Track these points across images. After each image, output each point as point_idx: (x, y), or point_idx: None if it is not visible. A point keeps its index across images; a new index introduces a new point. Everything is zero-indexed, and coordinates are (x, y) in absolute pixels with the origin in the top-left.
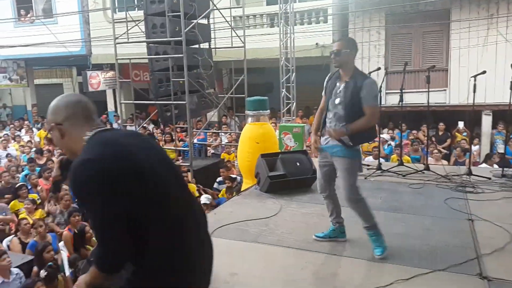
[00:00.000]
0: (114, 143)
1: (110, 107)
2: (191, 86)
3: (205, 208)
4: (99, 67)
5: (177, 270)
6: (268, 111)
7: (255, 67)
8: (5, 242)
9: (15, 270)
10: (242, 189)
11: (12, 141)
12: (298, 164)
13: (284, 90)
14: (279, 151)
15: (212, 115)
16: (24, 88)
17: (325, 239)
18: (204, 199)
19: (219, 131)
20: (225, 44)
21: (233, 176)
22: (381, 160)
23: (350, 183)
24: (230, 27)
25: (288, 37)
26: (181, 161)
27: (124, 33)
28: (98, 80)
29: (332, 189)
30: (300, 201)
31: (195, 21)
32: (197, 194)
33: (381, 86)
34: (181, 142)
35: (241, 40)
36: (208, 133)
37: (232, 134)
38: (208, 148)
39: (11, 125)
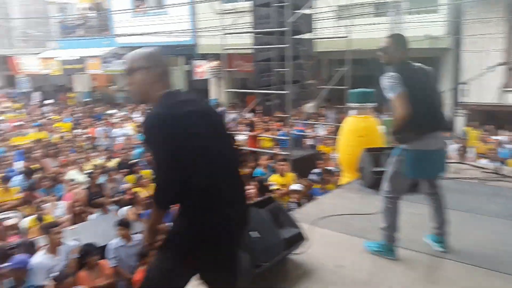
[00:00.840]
0: (176, 104)
1: (213, 95)
2: (293, 76)
3: (295, 195)
4: (203, 56)
5: (210, 210)
6: (374, 104)
7: (356, 58)
8: (123, 211)
9: (136, 236)
10: (340, 183)
11: (127, 122)
12: None
13: None
14: (384, 146)
15: (312, 107)
16: None
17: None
18: (295, 186)
19: (316, 122)
20: (327, 34)
21: (330, 168)
22: (498, 164)
23: (386, 177)
24: (332, 17)
25: (398, 27)
26: (277, 150)
27: (232, 24)
28: (203, 69)
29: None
30: (407, 200)
31: (299, 11)
32: (292, 183)
33: (501, 83)
34: (278, 132)
35: (345, 31)
36: (305, 124)
37: (330, 126)
38: (304, 139)
39: (128, 107)
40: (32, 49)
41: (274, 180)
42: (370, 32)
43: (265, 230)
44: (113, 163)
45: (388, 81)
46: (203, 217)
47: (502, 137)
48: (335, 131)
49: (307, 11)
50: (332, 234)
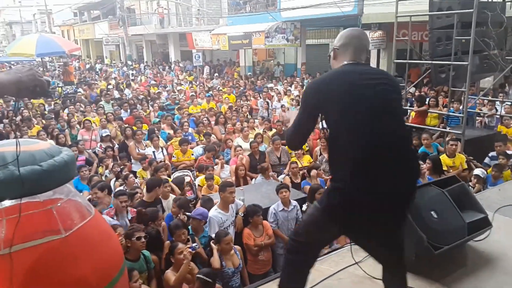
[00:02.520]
0: (337, 76)
1: (374, 66)
2: (475, 45)
3: (475, 181)
4: (367, 27)
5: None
6: None
7: None
8: (280, 178)
9: (293, 202)
10: None
11: (285, 95)
12: None
13: None
14: None
15: (495, 81)
16: (296, 47)
17: None
18: (478, 171)
19: (495, 99)
20: None
21: (510, 152)
22: None
23: None
24: None
25: None
26: (446, 128)
27: None
28: None
29: None
30: None
31: None
32: (465, 166)
33: None
34: (445, 108)
35: None
36: (480, 101)
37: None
38: (478, 117)
39: (284, 81)
40: (205, 26)
41: (443, 161)
42: None
43: (445, 211)
44: (271, 133)
45: None
46: (341, 191)
47: None
48: None
49: None
50: None
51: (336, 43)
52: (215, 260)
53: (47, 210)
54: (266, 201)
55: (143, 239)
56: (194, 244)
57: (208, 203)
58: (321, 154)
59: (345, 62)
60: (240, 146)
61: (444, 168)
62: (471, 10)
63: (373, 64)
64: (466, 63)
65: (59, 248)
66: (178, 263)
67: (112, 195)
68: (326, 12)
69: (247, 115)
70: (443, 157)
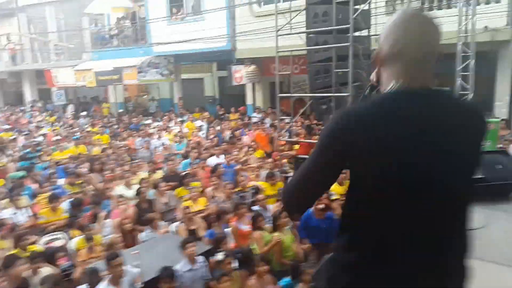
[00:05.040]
0: (383, 111)
1: (249, 100)
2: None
3: None
4: (241, 62)
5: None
6: None
7: None
8: (173, 226)
9: (200, 258)
10: None
11: (164, 132)
12: (499, 166)
13: (460, 79)
14: None
15: None
16: (171, 82)
17: None
18: None
19: None
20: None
21: None
22: None
23: None
24: (388, 12)
25: (470, 18)
26: None
27: (285, 25)
28: (241, 74)
29: None
30: (509, 212)
31: (360, 6)
32: None
33: None
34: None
35: None
36: None
37: None
38: None
39: (164, 117)
40: (67, 62)
41: (333, 190)
42: None
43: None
44: (158, 175)
45: None
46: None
47: None
48: None
49: (365, 7)
50: None
51: (381, 41)
52: None
53: None
54: (166, 261)
55: None
56: None
57: (93, 276)
58: (213, 196)
59: (392, 85)
60: (123, 196)
61: (337, 196)
62: (347, 43)
63: (249, 97)
64: (347, 94)
65: None
66: None
67: None
68: (199, 47)
69: (125, 157)
70: (334, 186)
